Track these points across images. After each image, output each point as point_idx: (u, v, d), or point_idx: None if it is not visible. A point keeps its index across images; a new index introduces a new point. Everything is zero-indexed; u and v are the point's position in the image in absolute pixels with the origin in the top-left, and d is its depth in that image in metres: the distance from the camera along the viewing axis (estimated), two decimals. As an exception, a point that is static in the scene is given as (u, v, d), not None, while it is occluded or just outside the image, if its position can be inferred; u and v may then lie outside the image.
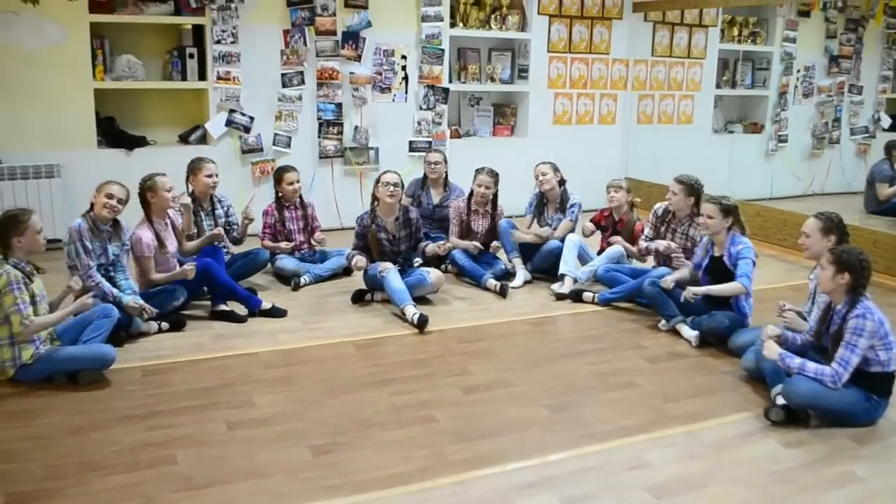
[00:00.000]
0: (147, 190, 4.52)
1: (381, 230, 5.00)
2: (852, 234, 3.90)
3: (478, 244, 5.46)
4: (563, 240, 5.37)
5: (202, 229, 5.07)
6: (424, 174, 6.08)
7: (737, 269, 4.20)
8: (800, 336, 3.66)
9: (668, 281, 4.44)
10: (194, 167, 5.10)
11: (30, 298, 3.59)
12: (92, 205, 4.19)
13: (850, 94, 9.64)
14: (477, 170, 5.55)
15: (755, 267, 4.29)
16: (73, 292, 3.93)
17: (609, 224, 5.48)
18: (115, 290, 4.14)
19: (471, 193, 5.57)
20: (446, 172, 6.09)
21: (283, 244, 5.41)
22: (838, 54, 9.43)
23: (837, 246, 3.54)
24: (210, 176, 5.06)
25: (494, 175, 5.47)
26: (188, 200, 4.92)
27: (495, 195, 5.53)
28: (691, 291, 4.25)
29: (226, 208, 5.27)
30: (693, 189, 4.76)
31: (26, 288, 3.59)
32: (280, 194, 5.50)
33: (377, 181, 4.98)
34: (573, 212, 5.48)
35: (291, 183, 5.45)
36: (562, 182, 5.50)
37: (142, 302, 4.19)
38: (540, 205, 5.61)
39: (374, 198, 5.00)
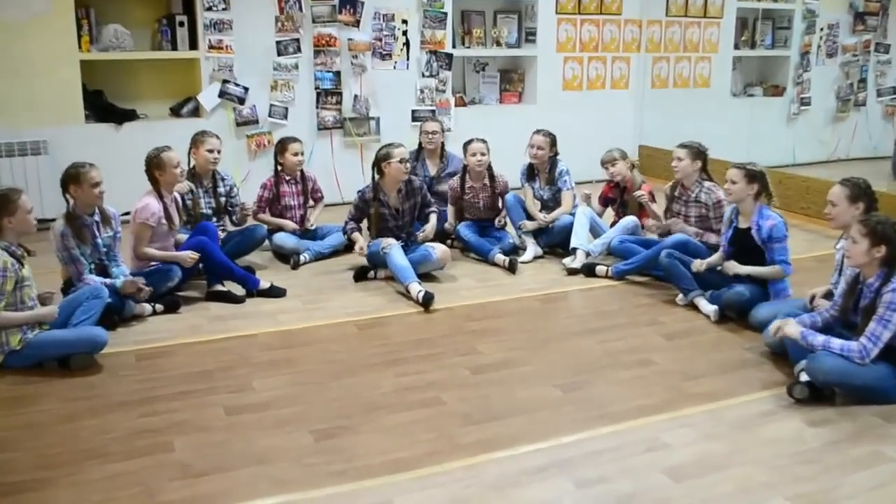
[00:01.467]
0: (154, 167, 4.42)
1: (384, 205, 4.86)
2: (880, 201, 3.74)
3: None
4: (573, 213, 5.22)
5: (199, 207, 4.96)
6: (420, 144, 5.91)
7: (773, 252, 4.07)
8: (821, 315, 3.52)
9: (700, 265, 4.29)
10: (196, 140, 5.00)
11: (17, 283, 3.49)
12: (70, 200, 3.99)
13: (876, 53, 9.40)
14: (465, 142, 5.39)
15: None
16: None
17: (616, 195, 5.36)
18: (107, 281, 4.03)
19: (464, 170, 5.41)
20: (443, 143, 5.93)
21: (289, 223, 5.31)
22: (864, 11, 9.17)
23: (867, 215, 3.37)
24: (211, 151, 4.95)
25: (485, 141, 5.33)
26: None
27: (490, 166, 5.38)
28: (731, 268, 4.13)
29: (228, 188, 5.14)
30: (699, 152, 4.70)
31: (17, 273, 3.49)
32: (280, 167, 5.35)
33: (385, 155, 4.78)
34: (565, 181, 5.34)
35: (297, 153, 5.33)
36: (555, 154, 5.35)
37: (139, 280, 4.10)
38: (531, 175, 5.46)
39: (379, 171, 4.83)
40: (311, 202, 5.51)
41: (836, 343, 3.22)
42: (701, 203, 4.71)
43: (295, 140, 5.39)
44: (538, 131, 5.36)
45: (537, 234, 5.37)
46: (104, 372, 3.58)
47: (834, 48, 9.14)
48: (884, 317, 3.14)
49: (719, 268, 4.26)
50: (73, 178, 3.97)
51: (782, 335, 3.42)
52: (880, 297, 3.16)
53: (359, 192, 4.99)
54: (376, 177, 4.85)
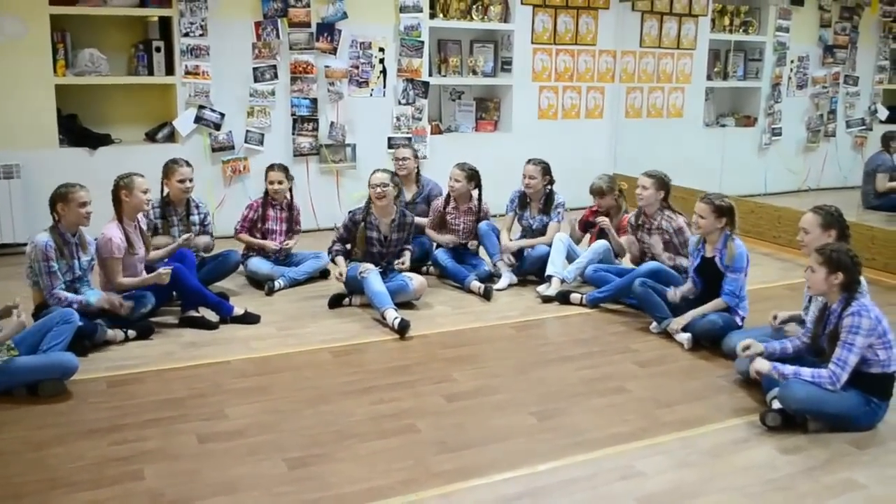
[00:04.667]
0: (122, 188, 4.36)
1: (374, 229, 4.87)
2: (850, 230, 3.80)
3: (455, 238, 5.39)
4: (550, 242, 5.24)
5: (172, 235, 4.89)
6: (395, 171, 5.94)
7: (726, 281, 4.16)
8: (791, 342, 3.56)
9: (675, 294, 4.36)
10: (167, 170, 4.92)
11: None
12: (56, 218, 3.99)
13: (845, 84, 9.58)
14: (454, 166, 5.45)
15: (748, 268, 4.23)
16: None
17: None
18: (79, 297, 3.98)
19: (449, 192, 5.45)
20: (418, 168, 5.95)
21: (270, 244, 5.25)
22: (833, 44, 9.36)
23: (823, 244, 3.43)
24: (182, 181, 4.88)
25: (468, 170, 5.34)
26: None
27: (480, 193, 5.39)
28: (675, 298, 4.27)
29: (202, 216, 5.08)
30: (663, 182, 4.79)
31: None
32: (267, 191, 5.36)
33: (368, 181, 4.85)
34: (559, 213, 5.36)
35: (273, 182, 5.28)
36: (550, 183, 5.37)
37: (114, 296, 4.05)
38: (522, 203, 5.47)
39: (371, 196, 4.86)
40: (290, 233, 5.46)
41: (807, 371, 3.26)
42: (663, 230, 4.77)
43: (277, 168, 5.32)
44: (529, 161, 5.36)
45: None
46: (74, 399, 3.51)
47: (804, 80, 9.31)
48: (847, 341, 3.19)
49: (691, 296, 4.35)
50: (60, 196, 3.98)
51: (754, 371, 3.43)
52: (842, 322, 3.21)
53: (350, 211, 5.00)
54: (370, 202, 4.87)
